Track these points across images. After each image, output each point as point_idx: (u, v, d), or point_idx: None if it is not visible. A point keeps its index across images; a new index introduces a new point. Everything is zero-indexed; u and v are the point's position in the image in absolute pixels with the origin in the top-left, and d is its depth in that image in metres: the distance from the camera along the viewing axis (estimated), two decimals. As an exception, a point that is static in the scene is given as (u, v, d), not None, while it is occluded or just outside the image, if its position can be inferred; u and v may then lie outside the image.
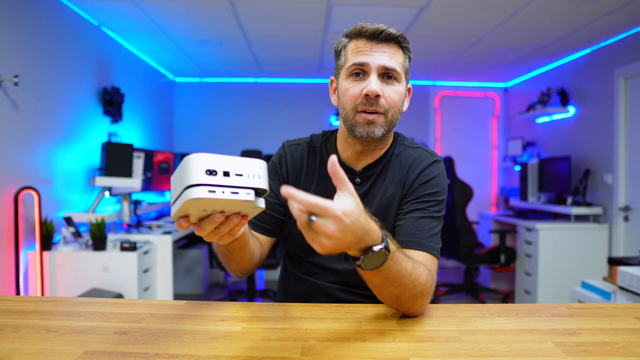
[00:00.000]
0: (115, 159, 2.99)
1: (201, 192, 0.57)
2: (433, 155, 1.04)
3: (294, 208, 0.60)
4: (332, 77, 1.05)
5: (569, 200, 3.69)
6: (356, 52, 0.95)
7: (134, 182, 3.03)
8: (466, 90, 5.25)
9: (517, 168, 4.76)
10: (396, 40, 0.95)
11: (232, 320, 0.83)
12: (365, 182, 1.03)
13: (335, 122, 5.03)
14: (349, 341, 0.73)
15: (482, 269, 4.42)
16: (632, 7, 2.79)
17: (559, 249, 3.46)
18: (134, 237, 2.98)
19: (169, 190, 4.19)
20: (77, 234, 2.66)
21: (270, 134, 5.02)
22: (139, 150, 3.35)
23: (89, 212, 2.92)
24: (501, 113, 5.24)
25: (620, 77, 3.33)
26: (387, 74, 0.94)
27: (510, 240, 4.07)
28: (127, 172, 3.03)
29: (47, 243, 2.54)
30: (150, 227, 3.37)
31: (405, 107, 1.02)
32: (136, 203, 3.40)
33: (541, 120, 4.42)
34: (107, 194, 3.11)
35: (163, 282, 2.97)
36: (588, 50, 3.72)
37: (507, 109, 5.22)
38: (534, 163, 4.18)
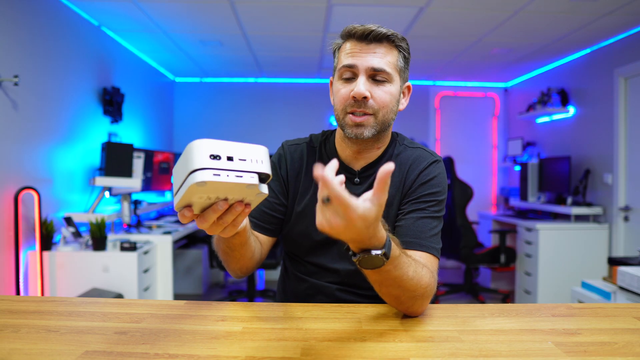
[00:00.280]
0: (115, 159, 2.99)
1: (206, 176, 0.57)
2: (433, 155, 1.04)
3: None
4: (331, 78, 1.05)
5: (569, 200, 3.69)
6: (346, 54, 0.95)
7: (134, 182, 3.03)
8: (466, 90, 5.25)
9: (517, 168, 4.76)
10: (388, 39, 0.94)
11: (232, 320, 0.83)
12: (365, 181, 1.03)
13: (335, 122, 5.03)
14: (349, 341, 0.72)
15: (482, 269, 4.42)
16: (632, 7, 2.79)
17: (559, 249, 3.46)
18: (134, 237, 2.98)
19: (169, 190, 4.17)
20: (77, 234, 2.66)
21: (270, 134, 5.02)
22: (139, 150, 3.35)
23: (89, 212, 2.92)
24: (501, 113, 5.24)
25: (620, 77, 3.33)
26: (376, 76, 0.93)
27: (510, 240, 4.07)
28: (127, 172, 3.03)
29: (47, 243, 2.54)
30: (150, 227, 3.37)
31: (402, 106, 1.02)
32: (136, 203, 3.40)
33: (541, 120, 4.42)
34: (107, 194, 3.11)
35: (163, 282, 2.97)
36: (588, 50, 3.72)
37: (507, 109, 5.22)
38: (534, 163, 4.18)
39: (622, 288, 2.12)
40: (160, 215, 4.27)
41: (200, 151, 0.58)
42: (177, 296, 3.70)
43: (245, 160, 0.61)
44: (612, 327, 0.80)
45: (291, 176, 1.07)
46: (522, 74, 4.69)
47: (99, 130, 3.28)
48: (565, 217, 3.75)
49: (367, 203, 0.61)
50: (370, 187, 1.03)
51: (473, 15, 3.01)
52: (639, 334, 0.76)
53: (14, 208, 2.32)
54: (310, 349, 0.69)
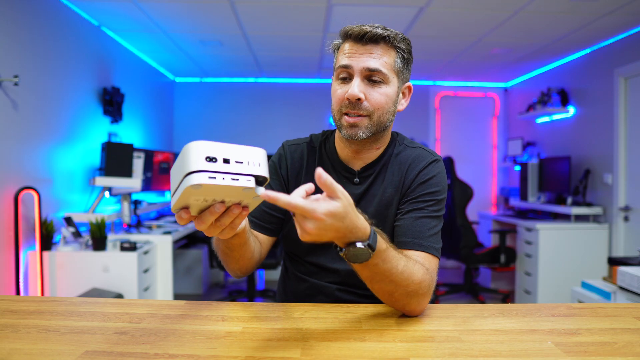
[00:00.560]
0: (115, 159, 2.99)
1: (201, 178, 0.57)
2: (432, 155, 1.03)
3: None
4: (333, 77, 1.05)
5: (569, 200, 3.69)
6: (344, 54, 0.95)
7: (134, 182, 3.03)
8: (466, 90, 5.25)
9: (517, 168, 4.76)
10: (385, 40, 0.94)
11: (232, 320, 0.83)
12: (364, 181, 1.03)
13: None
14: (349, 341, 0.73)
15: (482, 269, 4.42)
16: (632, 7, 2.79)
17: (559, 249, 3.46)
18: (134, 237, 2.98)
19: (169, 190, 4.17)
20: (77, 234, 2.66)
21: (270, 134, 5.02)
22: (139, 150, 3.35)
23: (89, 212, 2.92)
24: (501, 113, 5.24)
25: (620, 77, 3.33)
26: (372, 77, 0.93)
27: (510, 240, 4.07)
28: (127, 172, 3.03)
29: (47, 243, 2.54)
30: (150, 227, 3.37)
31: (402, 107, 1.02)
32: (136, 203, 3.40)
33: (541, 120, 4.42)
34: (107, 194, 3.11)
35: (163, 282, 2.97)
36: (588, 50, 3.72)
37: (507, 109, 5.22)
38: (534, 163, 4.18)
39: (622, 288, 2.12)
40: (160, 215, 4.27)
41: (196, 153, 0.58)
42: (177, 296, 3.70)
43: (242, 162, 0.60)
44: (612, 327, 0.80)
45: (291, 176, 1.08)
46: (522, 74, 4.69)
47: (99, 130, 3.28)
48: (565, 217, 3.75)
49: (327, 200, 0.66)
50: (369, 187, 1.03)
51: (473, 15, 3.01)
52: (639, 334, 0.76)
53: (14, 208, 2.32)
54: (310, 349, 0.69)
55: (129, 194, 3.15)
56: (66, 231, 2.65)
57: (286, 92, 5.12)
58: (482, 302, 3.89)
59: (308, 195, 0.67)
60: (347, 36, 0.95)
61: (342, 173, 1.05)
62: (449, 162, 3.72)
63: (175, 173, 0.61)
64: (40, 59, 2.56)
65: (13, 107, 2.34)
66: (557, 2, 2.74)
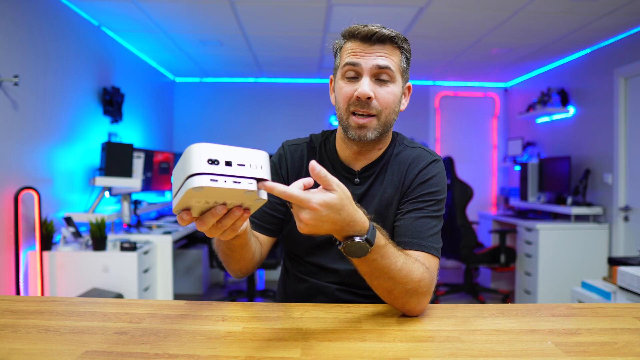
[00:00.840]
0: (115, 159, 2.99)
1: (203, 181, 0.57)
2: (432, 155, 1.03)
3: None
4: (332, 76, 1.05)
5: (569, 200, 3.69)
6: (350, 54, 0.95)
7: (134, 182, 3.03)
8: (466, 90, 5.25)
9: (517, 168, 4.76)
10: (391, 41, 0.94)
11: (232, 320, 0.83)
12: (364, 182, 1.03)
13: (335, 122, 5.03)
14: (349, 341, 0.73)
15: (482, 269, 4.42)
16: (632, 7, 2.79)
17: (559, 249, 3.46)
18: (134, 237, 2.98)
19: (169, 190, 4.19)
20: (77, 234, 2.66)
21: (270, 134, 5.02)
22: (139, 150, 3.35)
23: (89, 212, 2.92)
24: (501, 113, 5.24)
25: (620, 77, 3.33)
26: (381, 75, 0.93)
27: (510, 240, 4.07)
28: (127, 172, 3.03)
29: (47, 243, 2.54)
30: (150, 227, 3.37)
31: (403, 107, 1.02)
32: (136, 203, 3.40)
33: (541, 120, 4.42)
34: (107, 194, 3.12)
35: (163, 282, 2.97)
36: (588, 50, 3.72)
37: (507, 109, 5.22)
38: (534, 163, 4.18)
39: (622, 288, 2.12)
40: (160, 215, 4.27)
41: (198, 155, 0.58)
42: (177, 296, 3.70)
43: (244, 165, 0.60)
44: (612, 327, 0.80)
45: (292, 176, 1.08)
46: (522, 74, 4.69)
47: (99, 130, 3.28)
48: (565, 217, 3.75)
49: (323, 191, 0.67)
50: (370, 187, 1.03)
51: (473, 15, 3.01)
52: (639, 334, 0.76)
53: (14, 208, 2.32)
54: (310, 349, 0.69)
55: (129, 194, 3.15)
56: (66, 231, 2.65)
57: (286, 92, 5.12)
58: (482, 302, 3.89)
59: (306, 188, 0.68)
60: (353, 36, 0.95)
61: (342, 173, 1.05)
62: (449, 162, 3.72)
63: (177, 175, 0.61)
64: (40, 59, 2.56)
65: (13, 107, 2.34)
66: (557, 2, 2.74)
